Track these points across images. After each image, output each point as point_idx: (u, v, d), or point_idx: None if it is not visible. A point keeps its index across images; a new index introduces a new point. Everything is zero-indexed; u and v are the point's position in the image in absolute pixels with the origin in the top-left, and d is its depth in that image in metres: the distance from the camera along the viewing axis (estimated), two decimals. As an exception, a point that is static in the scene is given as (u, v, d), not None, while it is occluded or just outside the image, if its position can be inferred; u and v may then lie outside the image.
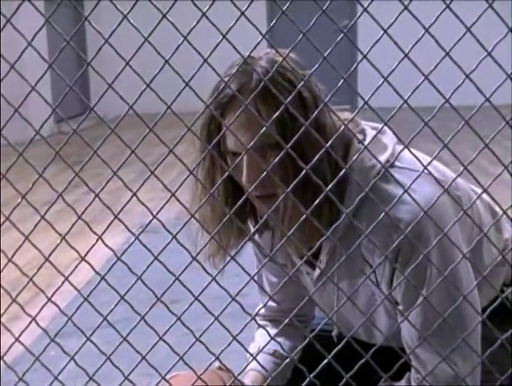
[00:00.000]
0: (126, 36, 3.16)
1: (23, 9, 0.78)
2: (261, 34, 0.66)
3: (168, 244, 0.79)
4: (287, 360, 1.05)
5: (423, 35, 0.69)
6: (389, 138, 1.31)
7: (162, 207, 0.74)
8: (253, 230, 1.39)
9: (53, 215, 4.10)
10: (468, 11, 2.14)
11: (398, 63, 0.70)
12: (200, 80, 1.17)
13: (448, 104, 0.71)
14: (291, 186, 0.79)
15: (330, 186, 0.77)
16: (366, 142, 1.25)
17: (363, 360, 0.83)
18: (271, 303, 1.59)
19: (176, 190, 0.74)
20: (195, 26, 0.71)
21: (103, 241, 0.79)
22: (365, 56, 0.66)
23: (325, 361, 0.85)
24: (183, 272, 0.81)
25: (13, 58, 0.76)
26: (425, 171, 1.16)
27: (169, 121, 0.75)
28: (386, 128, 1.31)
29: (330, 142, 0.78)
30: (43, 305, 0.85)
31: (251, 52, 0.77)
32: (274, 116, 0.80)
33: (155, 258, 0.77)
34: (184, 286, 0.82)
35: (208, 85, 1.23)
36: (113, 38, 0.72)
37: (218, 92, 1.18)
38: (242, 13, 0.69)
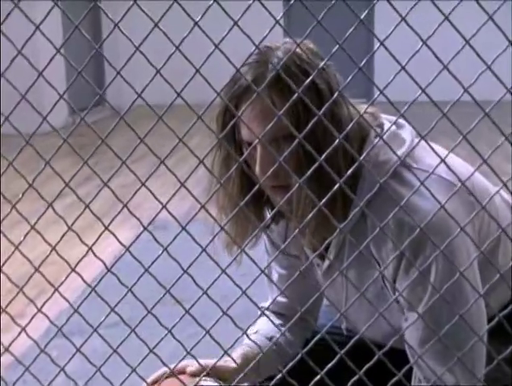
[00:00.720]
0: (142, 26, 3.15)
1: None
2: (274, 19, 0.65)
3: (178, 235, 0.77)
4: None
5: (440, 24, 0.67)
6: (407, 133, 1.29)
7: (172, 196, 0.73)
8: (266, 220, 1.39)
9: (66, 209, 4.11)
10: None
11: (417, 51, 0.69)
12: (219, 73, 1.16)
13: (466, 97, 0.70)
14: (304, 177, 0.77)
15: (344, 178, 0.76)
16: (385, 136, 1.24)
17: (375, 359, 0.81)
18: (279, 298, 1.57)
19: (186, 180, 0.73)
20: (205, 12, 0.69)
21: (110, 231, 0.77)
22: (381, 43, 0.64)
23: (335, 359, 0.83)
24: (192, 263, 0.80)
25: (30, 50, 0.74)
26: (440, 175, 1.19)
27: (189, 113, 0.74)
28: (404, 122, 1.30)
29: (344, 133, 0.76)
30: (47, 299, 0.84)
31: (263, 40, 0.75)
32: (286, 106, 0.78)
33: (165, 249, 0.75)
34: (192, 279, 0.80)
35: (225, 78, 1.23)
36: (129, 28, 0.71)
37: (233, 81, 1.18)
38: None
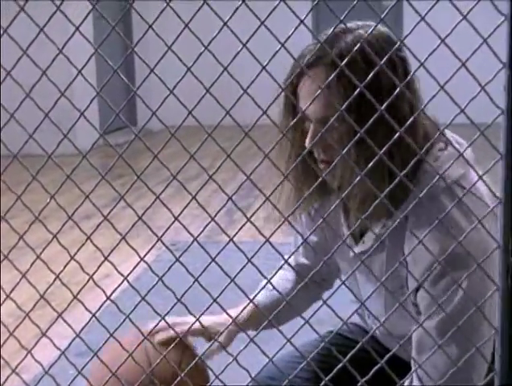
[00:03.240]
0: (173, 29, 3.17)
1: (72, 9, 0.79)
2: (299, 18, 0.65)
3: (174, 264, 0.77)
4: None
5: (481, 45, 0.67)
6: (468, 156, 1.31)
7: (184, 209, 0.73)
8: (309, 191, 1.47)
9: (92, 229, 4.12)
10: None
11: (455, 71, 0.69)
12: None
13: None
14: (346, 149, 0.78)
15: (405, 170, 0.78)
16: (447, 152, 1.27)
17: (377, 366, 0.81)
18: (303, 260, 1.63)
19: (196, 194, 0.73)
20: (234, 12, 0.70)
21: (111, 221, 0.77)
22: (422, 64, 0.64)
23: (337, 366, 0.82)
24: (186, 291, 0.80)
25: (62, 66, 0.76)
26: (487, 203, 1.22)
27: (213, 133, 0.74)
28: (464, 142, 1.34)
29: (404, 128, 0.79)
30: (52, 324, 0.84)
31: (287, 39, 0.76)
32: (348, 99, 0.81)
33: (159, 279, 0.75)
34: (186, 307, 0.80)
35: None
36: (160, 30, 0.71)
37: (300, 57, 1.24)
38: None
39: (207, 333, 1.48)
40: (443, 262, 1.15)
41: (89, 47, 8.06)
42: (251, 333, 1.49)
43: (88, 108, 0.78)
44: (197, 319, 0.85)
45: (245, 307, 0.89)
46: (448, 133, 1.35)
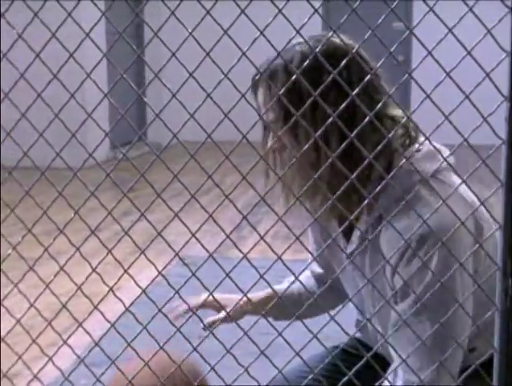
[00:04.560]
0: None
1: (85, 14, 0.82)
2: (313, 7, 0.68)
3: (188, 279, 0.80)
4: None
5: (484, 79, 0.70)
6: (448, 160, 1.36)
7: (201, 226, 0.75)
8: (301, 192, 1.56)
9: (104, 242, 4.14)
10: None
11: (459, 104, 0.71)
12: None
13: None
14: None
15: (373, 154, 0.79)
16: (422, 151, 1.33)
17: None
18: (317, 268, 1.70)
19: (213, 210, 0.75)
20: (249, 3, 0.73)
21: (121, 236, 0.80)
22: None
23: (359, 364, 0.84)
24: (184, 323, 0.82)
25: (76, 75, 0.78)
26: (461, 194, 1.30)
27: (225, 149, 0.76)
28: (442, 149, 1.38)
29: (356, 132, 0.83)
30: (73, 332, 0.87)
31: (302, 27, 0.80)
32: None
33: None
34: (182, 334, 0.82)
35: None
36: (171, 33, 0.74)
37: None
38: (280, 11, 0.70)
39: (218, 305, 1.54)
40: (414, 242, 1.21)
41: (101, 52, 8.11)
42: (261, 345, 1.52)
43: (99, 122, 0.80)
44: (210, 293, 0.87)
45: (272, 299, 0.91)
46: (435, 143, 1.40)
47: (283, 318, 1.66)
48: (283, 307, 1.63)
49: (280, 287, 1.68)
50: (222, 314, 1.55)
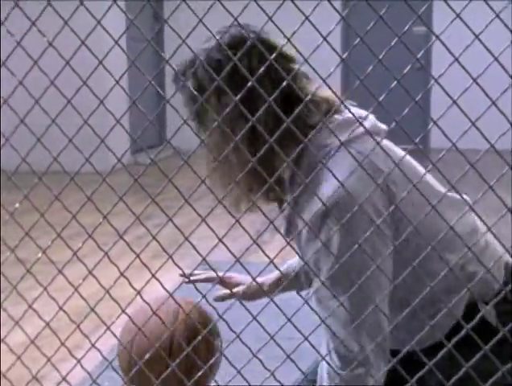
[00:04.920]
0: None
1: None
2: (340, 14, 0.69)
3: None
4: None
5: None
6: (366, 123, 1.36)
7: (227, 231, 0.76)
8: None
9: (124, 247, 4.20)
10: None
11: (486, 109, 0.71)
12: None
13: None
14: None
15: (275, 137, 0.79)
16: (337, 121, 1.33)
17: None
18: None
19: (239, 216, 0.76)
20: (279, 6, 0.74)
21: (142, 241, 0.81)
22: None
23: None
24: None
25: (100, 87, 0.80)
26: (371, 160, 1.28)
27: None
28: (371, 117, 1.39)
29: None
30: (101, 335, 0.88)
31: (328, 34, 0.81)
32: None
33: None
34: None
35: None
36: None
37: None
38: (307, 17, 0.71)
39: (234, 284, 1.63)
40: (318, 218, 1.23)
41: (122, 58, 8.19)
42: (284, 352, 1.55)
43: (120, 127, 0.82)
44: (219, 277, 0.89)
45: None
46: (358, 110, 1.41)
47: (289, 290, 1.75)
48: (292, 282, 1.71)
49: (284, 267, 1.72)
50: (236, 289, 1.62)
